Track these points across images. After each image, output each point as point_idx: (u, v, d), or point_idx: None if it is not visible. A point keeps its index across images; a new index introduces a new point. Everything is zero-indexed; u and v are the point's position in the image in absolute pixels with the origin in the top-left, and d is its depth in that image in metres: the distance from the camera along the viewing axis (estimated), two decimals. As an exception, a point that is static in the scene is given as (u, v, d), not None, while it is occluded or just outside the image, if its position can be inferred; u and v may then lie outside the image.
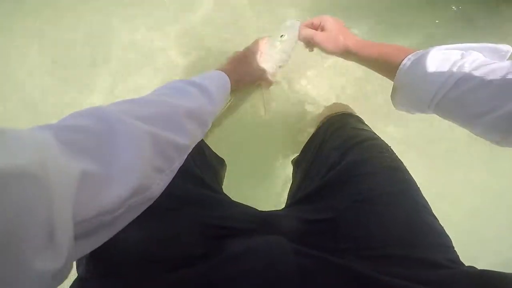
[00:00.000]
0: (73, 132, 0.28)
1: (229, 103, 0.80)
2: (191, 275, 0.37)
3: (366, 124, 0.67)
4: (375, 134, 0.61)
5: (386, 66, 0.50)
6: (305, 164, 0.66)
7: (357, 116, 0.70)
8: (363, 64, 0.56)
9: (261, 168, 0.97)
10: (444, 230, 0.45)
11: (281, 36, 0.68)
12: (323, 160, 0.59)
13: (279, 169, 0.96)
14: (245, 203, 0.53)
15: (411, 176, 0.52)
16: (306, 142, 0.70)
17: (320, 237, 0.46)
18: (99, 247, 0.30)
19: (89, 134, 0.29)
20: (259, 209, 0.53)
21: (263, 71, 0.68)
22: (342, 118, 0.68)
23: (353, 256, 0.42)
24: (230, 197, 0.56)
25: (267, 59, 0.71)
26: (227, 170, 0.75)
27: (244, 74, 0.66)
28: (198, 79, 0.48)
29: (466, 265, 0.41)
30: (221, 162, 0.71)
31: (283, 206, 0.61)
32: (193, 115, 0.41)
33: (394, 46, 0.50)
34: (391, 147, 0.57)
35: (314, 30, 0.63)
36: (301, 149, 0.72)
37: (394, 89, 0.49)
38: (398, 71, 0.46)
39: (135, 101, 0.37)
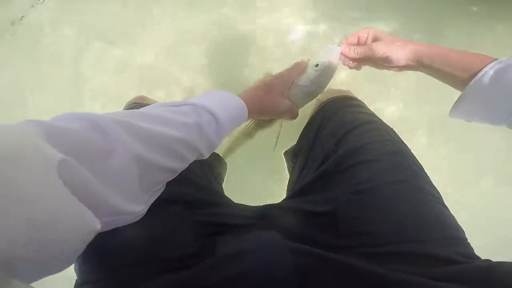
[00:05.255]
0: (66, 135, 0.26)
1: (246, 130, 0.67)
2: (183, 279, 0.35)
3: (367, 108, 0.61)
4: (375, 116, 0.56)
5: (461, 73, 0.45)
6: (303, 153, 0.61)
7: (357, 99, 0.64)
8: (430, 72, 0.49)
9: (260, 160, 0.93)
10: (456, 221, 0.41)
11: (316, 65, 0.56)
12: (319, 148, 0.55)
13: (279, 160, 0.92)
14: (244, 198, 0.51)
15: (417, 161, 0.47)
16: (303, 130, 0.65)
17: (319, 232, 0.43)
18: (92, 251, 0.30)
19: (82, 141, 0.27)
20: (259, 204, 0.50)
21: (289, 106, 0.57)
22: (340, 102, 0.63)
23: (355, 253, 0.39)
24: (230, 193, 0.53)
25: (297, 92, 0.59)
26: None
27: (267, 110, 0.56)
28: (217, 106, 0.42)
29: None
30: (217, 158, 0.67)
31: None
32: (192, 146, 0.38)
33: (471, 53, 0.46)
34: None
35: (366, 45, 0.54)
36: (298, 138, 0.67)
37: (463, 97, 0.45)
38: (476, 78, 0.43)
39: (135, 114, 0.35)
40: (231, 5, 0.97)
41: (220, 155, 0.71)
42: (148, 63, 0.98)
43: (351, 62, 0.57)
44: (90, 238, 0.25)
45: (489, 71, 0.41)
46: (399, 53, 0.49)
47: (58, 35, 0.99)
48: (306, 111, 0.87)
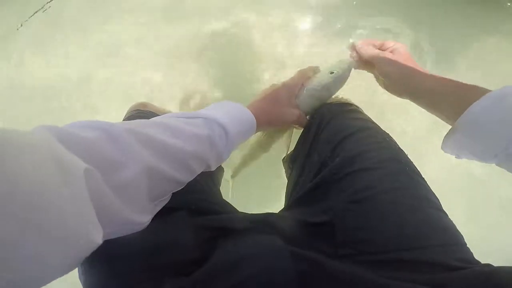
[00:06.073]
0: (79, 143, 0.26)
1: (259, 143, 0.68)
2: None
3: (364, 113, 0.61)
4: (371, 122, 0.56)
5: (455, 104, 0.42)
6: (299, 160, 0.61)
7: (354, 105, 0.64)
8: (422, 102, 0.48)
9: (265, 168, 0.93)
10: (455, 226, 0.41)
11: (331, 72, 0.58)
12: (316, 155, 0.54)
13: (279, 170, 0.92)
14: (248, 206, 0.52)
15: (414, 167, 0.47)
16: (300, 137, 0.65)
17: (318, 242, 0.43)
18: (97, 257, 0.30)
19: (96, 151, 0.27)
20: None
21: (297, 115, 0.58)
22: (337, 108, 0.63)
23: (355, 261, 0.39)
24: (235, 201, 0.54)
25: (306, 96, 0.59)
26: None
27: (275, 121, 0.56)
28: (227, 119, 0.42)
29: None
30: None
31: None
32: (203, 159, 0.39)
33: (467, 84, 0.43)
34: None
35: (380, 50, 0.56)
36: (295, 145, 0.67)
37: (453, 130, 0.41)
38: (468, 110, 0.39)
39: (149, 124, 0.35)
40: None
41: (231, 170, 0.71)
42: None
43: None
44: (88, 252, 0.24)
45: (483, 102, 0.38)
46: (396, 72, 0.51)
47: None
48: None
